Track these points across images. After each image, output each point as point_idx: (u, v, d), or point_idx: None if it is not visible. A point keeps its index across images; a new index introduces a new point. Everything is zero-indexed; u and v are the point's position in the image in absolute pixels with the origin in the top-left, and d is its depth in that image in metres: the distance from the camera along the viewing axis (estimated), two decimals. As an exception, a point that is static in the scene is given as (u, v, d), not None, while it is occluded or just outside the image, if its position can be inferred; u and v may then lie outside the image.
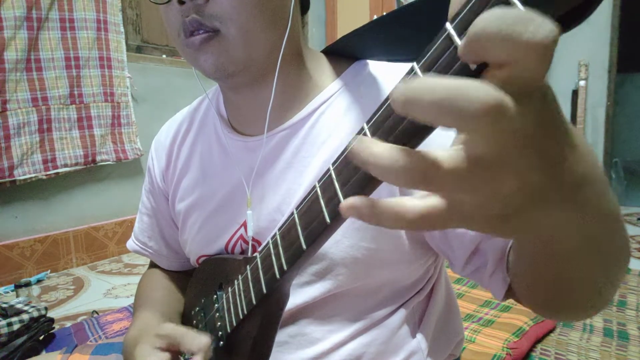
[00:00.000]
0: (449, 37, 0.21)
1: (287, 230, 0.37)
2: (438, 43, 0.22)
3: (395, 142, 0.24)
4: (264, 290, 0.43)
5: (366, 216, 0.23)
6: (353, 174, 0.28)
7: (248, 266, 0.48)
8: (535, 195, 0.23)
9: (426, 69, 0.22)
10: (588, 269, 0.34)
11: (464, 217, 0.23)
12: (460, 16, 0.21)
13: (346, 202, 0.23)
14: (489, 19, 0.18)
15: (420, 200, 0.23)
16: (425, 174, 0.20)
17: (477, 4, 0.20)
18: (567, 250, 0.31)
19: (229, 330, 0.52)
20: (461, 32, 0.21)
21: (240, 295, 0.49)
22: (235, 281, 0.51)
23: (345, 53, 0.59)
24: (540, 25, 0.18)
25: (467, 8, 0.21)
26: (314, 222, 0.33)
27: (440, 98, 0.19)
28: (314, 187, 0.32)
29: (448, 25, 0.21)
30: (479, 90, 0.18)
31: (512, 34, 0.18)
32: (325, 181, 0.31)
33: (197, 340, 0.50)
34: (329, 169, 0.30)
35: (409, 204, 0.22)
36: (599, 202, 0.28)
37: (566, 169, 0.23)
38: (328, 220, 0.31)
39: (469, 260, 0.49)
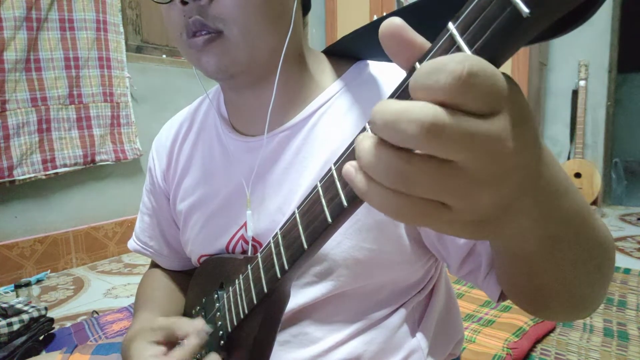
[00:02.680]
0: (452, 37, 0.21)
1: (289, 229, 0.37)
2: (440, 43, 0.22)
3: None
4: (265, 290, 0.43)
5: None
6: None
7: (249, 265, 0.48)
8: (504, 203, 0.23)
9: None
10: (556, 271, 0.35)
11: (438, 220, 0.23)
12: (462, 16, 0.21)
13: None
14: (414, 76, 0.20)
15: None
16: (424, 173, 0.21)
17: (479, 4, 0.20)
18: (533, 252, 0.32)
19: (230, 330, 0.52)
20: (464, 32, 0.21)
21: (241, 294, 0.49)
22: (236, 280, 0.51)
23: (346, 53, 0.59)
24: (445, 70, 0.19)
25: (469, 8, 0.21)
26: (315, 222, 0.33)
27: (388, 120, 0.20)
28: (316, 186, 0.32)
29: (450, 25, 0.21)
30: (418, 111, 0.19)
31: (426, 85, 0.20)
32: (327, 181, 0.31)
33: (190, 323, 0.51)
34: (330, 169, 0.30)
35: None
36: (562, 207, 0.30)
37: (533, 179, 0.25)
38: (329, 220, 0.31)
39: (464, 262, 0.50)
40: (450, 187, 0.21)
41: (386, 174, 0.22)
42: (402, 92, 0.24)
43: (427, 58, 0.23)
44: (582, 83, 3.09)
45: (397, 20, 0.23)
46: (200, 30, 0.49)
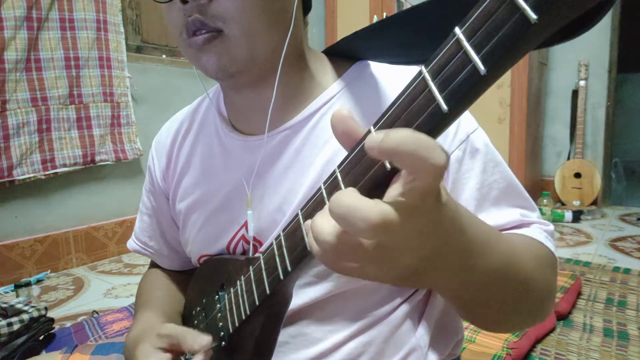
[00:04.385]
0: (458, 42, 0.21)
1: (292, 231, 0.37)
2: (447, 48, 0.22)
3: None
4: (268, 291, 0.43)
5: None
6: (360, 177, 0.27)
7: (251, 267, 0.48)
8: (424, 267, 0.30)
9: (435, 74, 0.22)
10: (486, 308, 0.42)
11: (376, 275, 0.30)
12: (469, 21, 0.21)
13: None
14: (407, 139, 0.23)
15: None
16: (355, 249, 0.28)
17: (486, 9, 0.20)
18: (461, 295, 0.39)
19: (231, 331, 0.52)
20: (470, 36, 0.21)
21: (243, 296, 0.49)
22: (238, 282, 0.51)
23: (346, 54, 0.59)
24: (442, 154, 0.23)
25: (477, 13, 0.21)
26: None
27: (342, 214, 0.25)
28: (320, 188, 0.32)
29: (457, 30, 0.21)
30: (368, 211, 0.24)
31: (423, 157, 0.23)
32: (332, 183, 0.31)
33: (199, 340, 0.50)
34: (334, 171, 0.30)
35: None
36: (482, 263, 0.35)
37: (452, 247, 0.31)
38: None
39: None
40: (383, 256, 0.28)
41: (351, 252, 0.28)
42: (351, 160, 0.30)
43: (433, 63, 0.23)
44: (582, 83, 3.10)
45: (344, 112, 0.30)
46: (200, 29, 0.48)
